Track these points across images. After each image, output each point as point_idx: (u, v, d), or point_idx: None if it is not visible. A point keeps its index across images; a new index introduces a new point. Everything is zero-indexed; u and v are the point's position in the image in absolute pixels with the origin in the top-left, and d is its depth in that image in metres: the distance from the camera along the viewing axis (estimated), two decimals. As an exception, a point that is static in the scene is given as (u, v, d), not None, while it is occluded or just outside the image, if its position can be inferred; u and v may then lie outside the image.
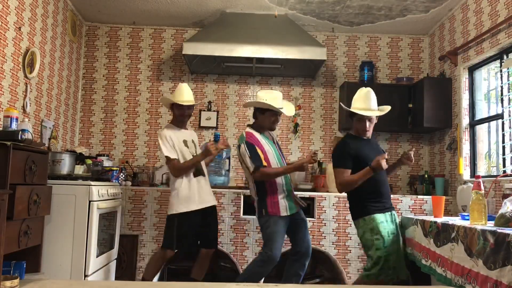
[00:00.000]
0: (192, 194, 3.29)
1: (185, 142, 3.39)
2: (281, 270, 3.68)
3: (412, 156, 3.08)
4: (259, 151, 3.16)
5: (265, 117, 3.24)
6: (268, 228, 3.13)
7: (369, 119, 3.00)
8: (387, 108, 3.06)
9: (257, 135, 3.24)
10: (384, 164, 2.79)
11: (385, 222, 2.92)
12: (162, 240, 3.39)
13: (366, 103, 3.00)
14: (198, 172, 3.38)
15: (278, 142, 3.50)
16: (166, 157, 3.28)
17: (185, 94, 3.40)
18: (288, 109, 3.39)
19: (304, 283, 3.83)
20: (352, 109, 3.01)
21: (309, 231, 3.38)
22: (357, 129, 3.06)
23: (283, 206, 3.15)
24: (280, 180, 3.19)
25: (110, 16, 4.82)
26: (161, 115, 4.92)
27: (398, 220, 3.10)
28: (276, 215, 3.12)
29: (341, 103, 3.20)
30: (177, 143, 3.33)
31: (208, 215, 3.40)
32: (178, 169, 3.29)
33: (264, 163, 3.13)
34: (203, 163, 3.43)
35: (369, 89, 3.06)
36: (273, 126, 3.31)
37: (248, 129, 3.28)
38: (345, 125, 4.72)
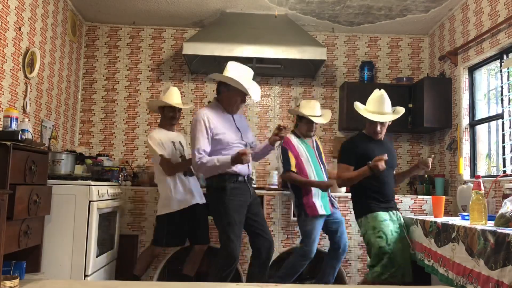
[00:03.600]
0: (181, 194, 3.37)
1: (173, 143, 3.49)
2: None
3: (430, 163, 3.09)
4: (291, 155, 3.45)
5: (302, 125, 3.55)
6: (305, 227, 3.41)
7: (381, 122, 3.02)
8: (401, 111, 3.07)
9: (294, 140, 3.53)
10: (382, 165, 2.81)
11: (388, 220, 2.96)
12: (153, 236, 3.55)
13: (378, 107, 3.03)
14: (188, 172, 3.48)
15: (318, 148, 3.63)
16: (161, 155, 3.35)
17: (176, 97, 3.55)
18: (325, 117, 3.59)
19: (304, 283, 3.83)
20: (363, 113, 3.05)
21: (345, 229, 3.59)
22: (369, 130, 3.10)
23: (319, 206, 3.38)
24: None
25: (110, 16, 4.82)
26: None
27: (402, 221, 3.11)
28: (315, 215, 3.38)
29: (356, 102, 3.17)
30: (166, 144, 3.43)
31: (197, 212, 3.46)
32: (172, 167, 3.37)
33: (293, 168, 3.43)
34: None
35: (382, 92, 3.08)
36: (308, 134, 3.55)
37: (289, 134, 3.50)
38: (345, 125, 4.71)
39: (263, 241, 3.09)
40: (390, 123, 3.12)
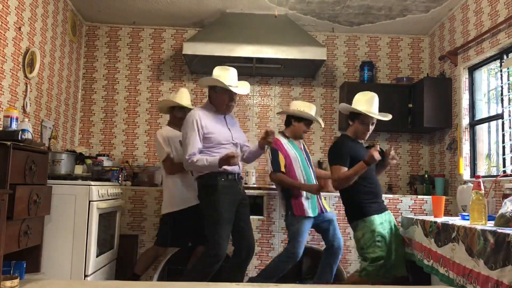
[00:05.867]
0: (182, 193, 3.36)
1: (180, 142, 3.44)
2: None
3: (393, 153, 3.07)
4: (281, 156, 3.40)
5: (300, 126, 3.47)
6: (292, 227, 3.37)
7: (373, 122, 3.00)
8: (389, 116, 3.06)
9: (283, 141, 3.48)
10: (377, 155, 2.78)
11: (384, 223, 2.97)
12: (156, 237, 3.56)
13: (372, 107, 2.99)
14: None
15: (306, 150, 3.59)
16: (167, 153, 3.38)
17: (186, 98, 3.58)
18: (320, 120, 3.58)
19: (303, 283, 3.83)
20: (364, 111, 2.96)
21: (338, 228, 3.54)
22: (357, 131, 3.06)
23: (307, 207, 3.35)
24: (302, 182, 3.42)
25: (110, 16, 4.82)
26: (161, 115, 4.91)
27: (393, 219, 3.11)
28: (302, 215, 3.34)
29: (342, 104, 3.17)
30: (174, 143, 3.43)
31: (200, 213, 3.37)
32: (174, 166, 3.37)
33: (282, 169, 3.38)
34: None
35: (374, 94, 3.06)
36: (302, 135, 3.54)
37: (278, 135, 3.50)
38: (344, 125, 4.71)
39: (245, 242, 3.08)
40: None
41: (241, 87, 3.12)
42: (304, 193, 3.37)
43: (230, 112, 3.18)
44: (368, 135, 3.06)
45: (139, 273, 3.56)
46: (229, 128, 3.10)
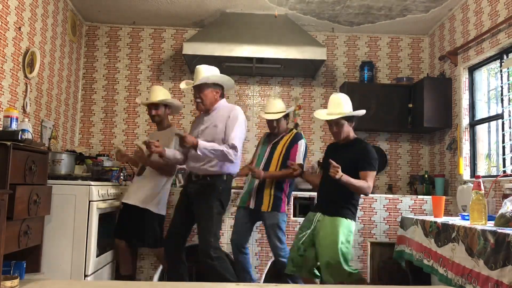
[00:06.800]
0: (130, 189, 3.58)
1: (146, 142, 3.45)
2: (280, 269, 3.65)
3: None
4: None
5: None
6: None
7: (335, 123, 2.97)
8: (359, 112, 3.00)
9: (263, 135, 3.75)
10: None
11: (306, 218, 3.13)
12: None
13: (329, 108, 3.03)
14: (140, 172, 3.62)
15: (274, 147, 3.45)
16: None
17: (152, 95, 3.55)
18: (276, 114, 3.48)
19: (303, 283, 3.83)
20: (317, 116, 3.08)
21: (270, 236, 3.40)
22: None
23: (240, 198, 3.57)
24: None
25: (110, 16, 4.82)
26: (161, 115, 4.91)
27: (317, 223, 2.98)
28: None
29: (314, 114, 3.18)
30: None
31: (133, 213, 3.45)
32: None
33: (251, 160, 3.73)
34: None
35: (336, 94, 3.08)
36: (274, 130, 3.52)
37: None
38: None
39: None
40: (353, 124, 3.00)
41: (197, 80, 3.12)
42: (245, 185, 3.55)
43: (201, 109, 3.16)
44: (339, 136, 3.00)
45: (126, 273, 3.58)
46: (200, 128, 3.16)
